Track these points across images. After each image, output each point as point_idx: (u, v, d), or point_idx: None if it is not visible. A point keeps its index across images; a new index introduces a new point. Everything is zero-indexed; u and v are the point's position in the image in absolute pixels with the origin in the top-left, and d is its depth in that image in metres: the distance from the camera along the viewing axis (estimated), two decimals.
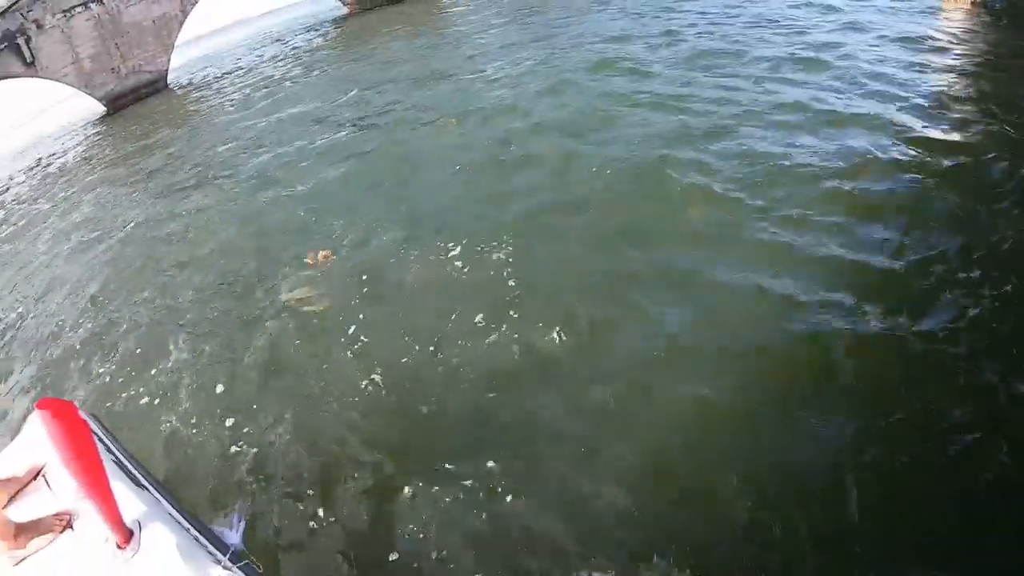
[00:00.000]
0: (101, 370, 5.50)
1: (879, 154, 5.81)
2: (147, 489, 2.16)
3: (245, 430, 4.30)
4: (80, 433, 1.57)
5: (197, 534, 1.98)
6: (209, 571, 1.78)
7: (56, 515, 2.07)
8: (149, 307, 6.37)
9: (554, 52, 11.55)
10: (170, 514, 2.03)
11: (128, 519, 1.88)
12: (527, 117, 8.35)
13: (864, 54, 8.17)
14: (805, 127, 6.47)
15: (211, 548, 1.91)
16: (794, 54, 8.74)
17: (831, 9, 10.53)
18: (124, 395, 5.05)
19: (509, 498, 3.51)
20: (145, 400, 4.95)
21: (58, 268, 8.43)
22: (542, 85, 9.70)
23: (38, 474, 2.24)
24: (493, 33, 15.53)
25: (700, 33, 10.89)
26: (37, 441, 2.32)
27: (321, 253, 5.94)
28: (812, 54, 8.60)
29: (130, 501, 1.97)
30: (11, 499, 2.17)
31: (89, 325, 6.42)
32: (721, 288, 4.67)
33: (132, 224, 9.07)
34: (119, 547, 1.85)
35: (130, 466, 2.32)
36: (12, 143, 33.46)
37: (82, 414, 1.62)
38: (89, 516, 1.99)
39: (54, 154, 21.56)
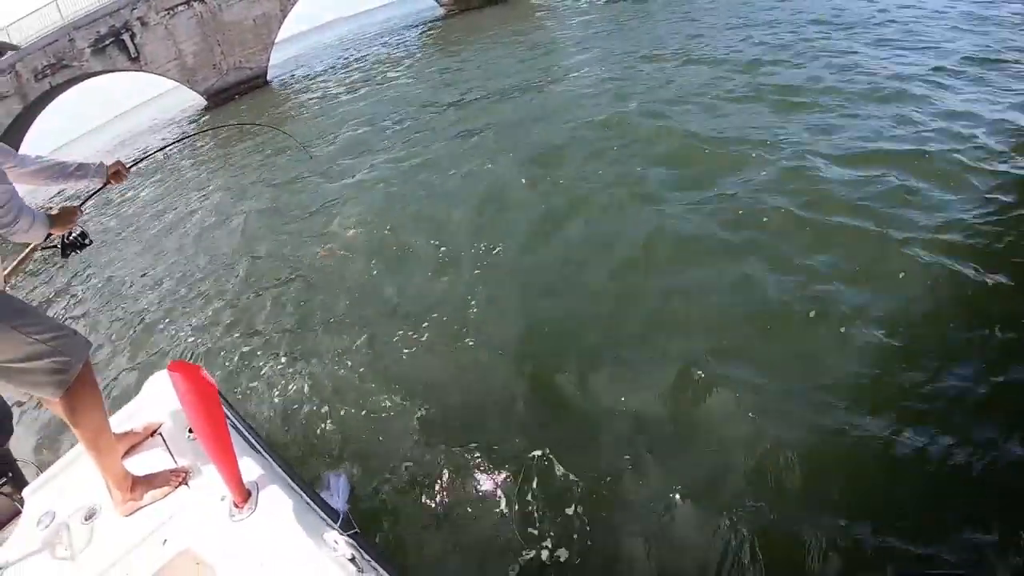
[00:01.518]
0: (222, 341, 5.25)
1: None
2: (262, 453, 2.22)
3: (369, 401, 3.94)
4: (209, 396, 1.56)
5: (309, 500, 2.01)
6: (323, 535, 1.79)
7: (173, 471, 2.14)
8: (267, 288, 5.98)
9: (659, 64, 10.19)
10: (284, 478, 2.08)
11: (246, 480, 1.93)
12: (626, 142, 6.94)
13: None
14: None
15: (322, 514, 1.94)
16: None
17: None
18: (243, 363, 4.80)
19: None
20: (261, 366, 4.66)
21: (179, 249, 8.18)
22: (646, 99, 8.28)
23: (155, 432, 2.33)
24: (592, 39, 14.33)
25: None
26: (155, 402, 2.52)
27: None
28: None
29: (248, 464, 2.03)
30: (127, 452, 2.25)
31: (216, 304, 6.07)
32: None
33: (251, 211, 8.67)
34: (236, 506, 1.90)
35: (246, 431, 2.43)
36: (117, 131, 34.85)
37: (210, 378, 1.55)
38: (206, 475, 2.11)
39: (159, 144, 21.75)
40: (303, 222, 7.38)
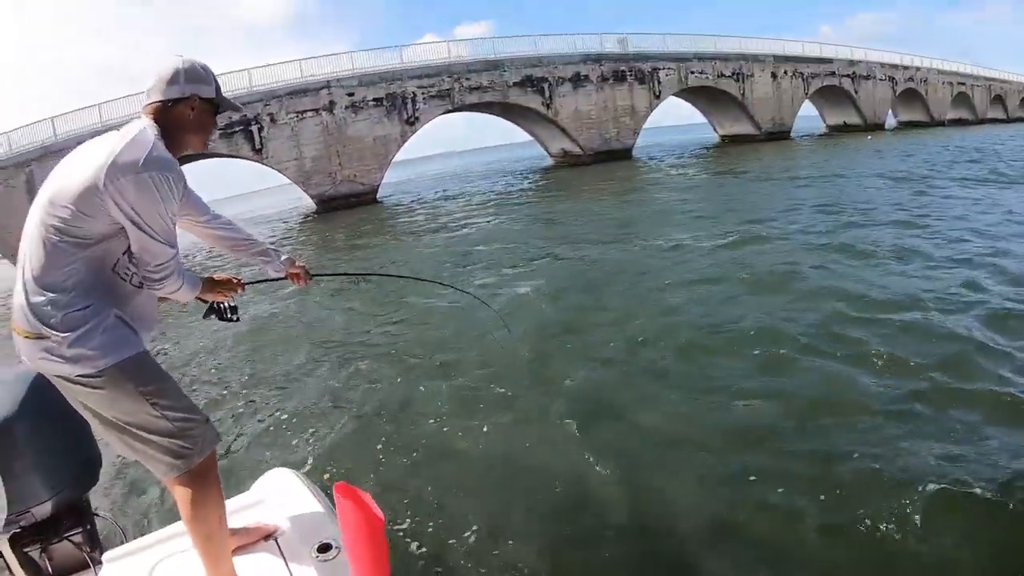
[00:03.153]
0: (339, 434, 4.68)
1: None
2: None
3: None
4: (376, 528, 1.36)
5: None
6: None
7: None
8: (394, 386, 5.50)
9: (767, 233, 9.46)
10: None
11: None
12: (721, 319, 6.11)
13: None
14: None
15: None
16: None
17: None
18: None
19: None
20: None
21: (299, 339, 7.60)
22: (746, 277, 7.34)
23: (269, 536, 2.08)
24: (695, 202, 13.80)
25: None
26: (269, 502, 2.29)
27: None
28: None
29: None
30: (235, 551, 2.00)
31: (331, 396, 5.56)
32: None
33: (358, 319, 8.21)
34: None
35: None
36: (234, 210, 36.73)
37: (378, 510, 1.35)
38: None
39: (274, 233, 22.43)
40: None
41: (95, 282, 1.74)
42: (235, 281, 2.25)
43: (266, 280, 2.66)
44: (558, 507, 3.32)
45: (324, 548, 1.94)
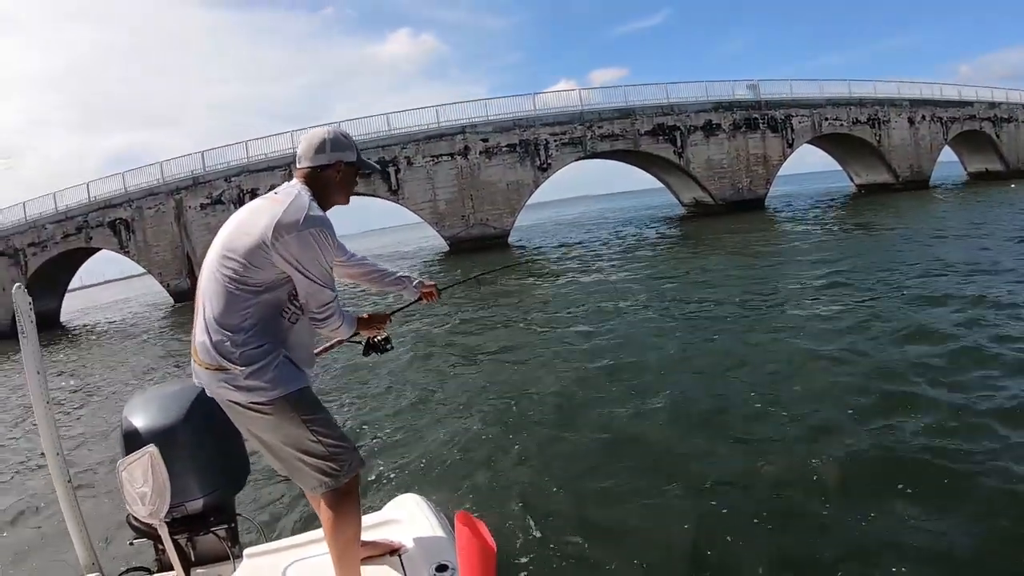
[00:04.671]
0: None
1: None
2: None
3: None
4: (487, 556, 1.41)
5: None
6: None
7: None
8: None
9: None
10: None
11: None
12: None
13: None
14: None
15: None
16: None
17: None
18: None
19: None
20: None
21: (415, 381, 7.77)
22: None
23: (394, 551, 2.33)
24: (834, 261, 12.63)
25: None
26: (399, 523, 2.53)
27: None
28: None
29: None
30: (363, 561, 2.25)
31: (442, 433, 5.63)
32: None
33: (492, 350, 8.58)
34: None
35: None
36: (368, 245, 38.89)
37: (491, 540, 1.43)
38: None
39: (414, 264, 23.76)
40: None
41: (267, 324, 2.01)
42: (383, 316, 2.51)
43: (406, 306, 2.90)
44: None
45: (441, 568, 2.12)
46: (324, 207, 2.09)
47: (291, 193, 2.01)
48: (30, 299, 2.19)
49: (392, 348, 2.60)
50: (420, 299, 2.76)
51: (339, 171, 2.12)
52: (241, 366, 1.94)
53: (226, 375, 1.96)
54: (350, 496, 2.11)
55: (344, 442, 2.11)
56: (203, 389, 2.04)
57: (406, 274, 2.70)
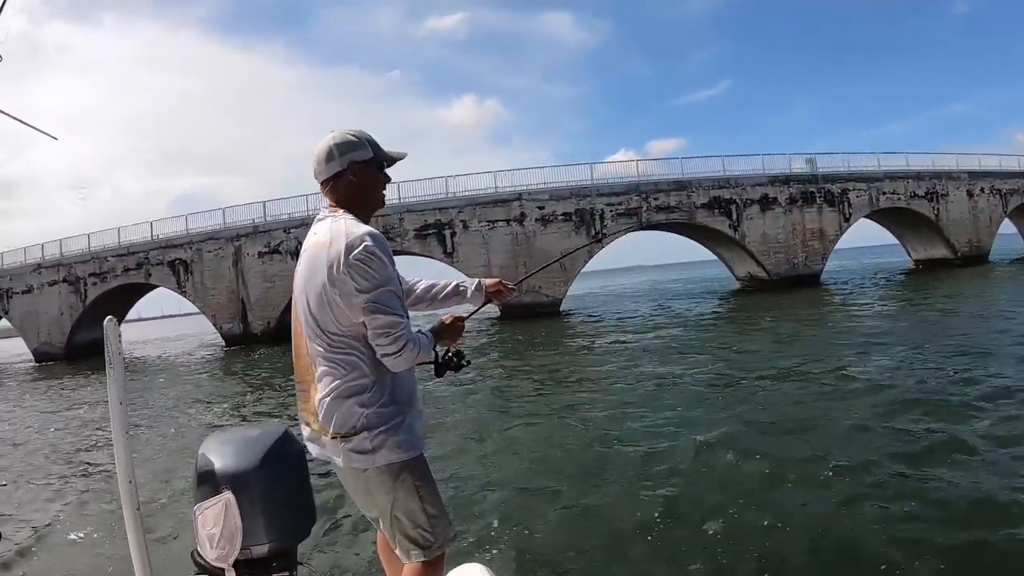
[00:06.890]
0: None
1: None
2: None
3: None
4: None
5: None
6: None
7: None
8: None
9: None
10: None
11: None
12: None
13: None
14: None
15: None
16: None
17: None
18: None
19: None
20: None
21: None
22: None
23: None
24: (885, 336, 12.38)
25: None
26: None
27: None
28: None
29: None
30: None
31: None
32: None
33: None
34: None
35: None
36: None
37: None
38: None
39: (468, 331, 23.00)
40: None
41: (382, 381, 1.95)
42: (459, 325, 2.25)
43: (476, 310, 2.71)
44: None
45: None
46: (362, 216, 1.99)
47: (327, 230, 1.92)
48: (120, 331, 2.24)
49: (469, 363, 2.30)
50: (488, 301, 2.54)
51: (355, 172, 1.99)
52: (362, 432, 1.91)
53: (349, 443, 1.93)
54: (435, 567, 2.09)
55: (444, 514, 2.09)
56: (282, 434, 1.99)
57: (464, 284, 2.53)
